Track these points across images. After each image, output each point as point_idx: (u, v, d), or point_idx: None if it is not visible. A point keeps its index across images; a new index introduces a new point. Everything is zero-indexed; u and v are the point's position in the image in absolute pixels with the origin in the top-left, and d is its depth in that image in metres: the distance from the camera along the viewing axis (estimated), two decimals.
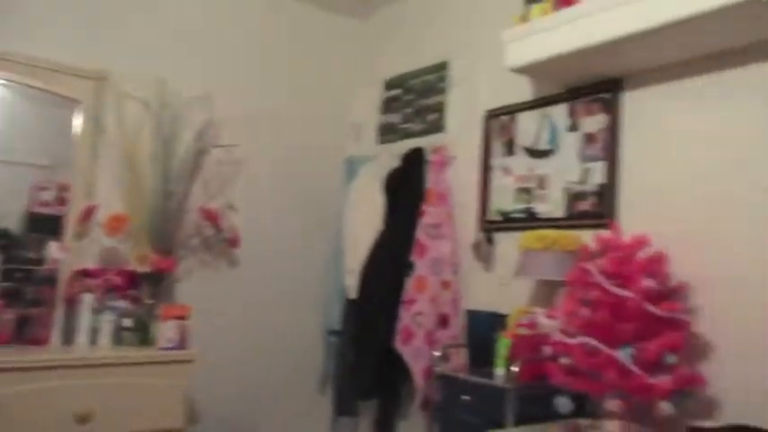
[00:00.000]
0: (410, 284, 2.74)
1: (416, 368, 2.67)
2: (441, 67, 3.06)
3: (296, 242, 3.29)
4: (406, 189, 2.97)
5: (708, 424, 1.76)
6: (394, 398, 2.92)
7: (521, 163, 2.60)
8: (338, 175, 3.41)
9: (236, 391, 3.04)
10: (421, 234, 2.78)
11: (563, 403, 1.89)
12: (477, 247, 2.71)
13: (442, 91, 3.04)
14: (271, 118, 3.23)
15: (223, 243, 3.01)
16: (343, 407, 3.12)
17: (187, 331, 2.54)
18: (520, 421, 1.96)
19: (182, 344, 2.52)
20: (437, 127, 3.03)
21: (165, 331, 2.49)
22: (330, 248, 3.31)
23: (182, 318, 2.54)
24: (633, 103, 2.24)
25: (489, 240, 2.68)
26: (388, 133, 3.34)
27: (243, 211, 3.04)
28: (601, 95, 2.32)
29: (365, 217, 3.12)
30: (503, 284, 2.58)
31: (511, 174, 2.64)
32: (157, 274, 2.69)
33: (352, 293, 3.03)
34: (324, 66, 3.46)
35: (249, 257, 3.12)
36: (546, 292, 2.41)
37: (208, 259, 3.02)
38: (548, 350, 2.10)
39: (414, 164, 2.99)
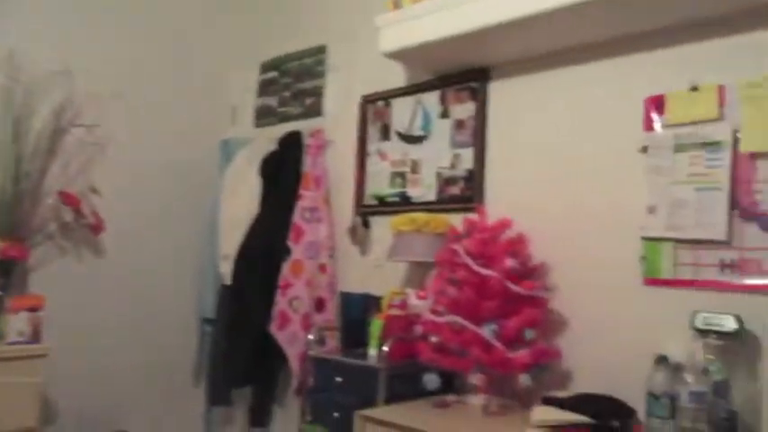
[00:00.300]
0: (286, 269, 2.71)
1: (292, 353, 2.65)
2: (319, 51, 3.04)
3: (167, 228, 3.15)
4: (283, 173, 2.92)
5: (561, 393, 1.88)
6: (269, 384, 2.88)
7: (395, 148, 2.64)
8: (213, 158, 3.30)
9: (101, 386, 2.87)
10: (297, 218, 2.75)
11: (431, 380, 1.95)
12: (353, 231, 2.73)
13: (320, 75, 3.02)
14: (140, 97, 3.04)
15: (84, 229, 2.81)
16: (217, 396, 3.04)
17: (40, 323, 2.35)
18: (391, 399, 2.00)
19: (34, 337, 2.33)
20: (315, 111, 3.01)
21: (15, 324, 2.30)
22: (204, 234, 3.20)
23: (35, 309, 2.35)
24: (498, 92, 2.34)
25: (365, 224, 2.71)
26: (265, 116, 3.27)
27: (108, 196, 2.86)
28: (469, 84, 2.40)
29: (241, 201, 3.05)
30: (377, 267, 2.62)
31: (386, 158, 2.67)
32: (7, 262, 2.47)
33: (227, 280, 2.95)
34: (198, 45, 3.31)
35: (115, 244, 2.94)
36: (418, 273, 2.47)
37: (67, 246, 2.81)
38: (418, 329, 2.16)
39: (291, 148, 2.95)
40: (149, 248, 3.08)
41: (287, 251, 2.73)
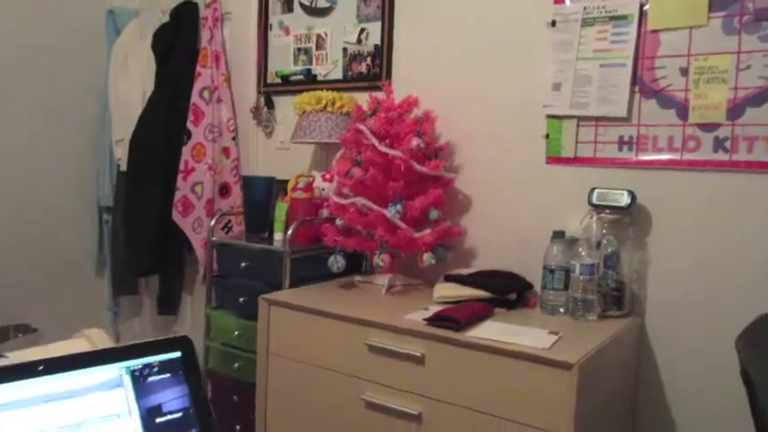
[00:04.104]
0: (187, 153, 2.57)
1: (196, 240, 2.57)
2: None
3: (52, 106, 2.87)
4: (178, 49, 2.69)
5: (464, 271, 1.92)
6: (176, 272, 2.81)
7: (299, 21, 2.46)
8: (99, 30, 2.97)
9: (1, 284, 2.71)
10: (196, 98, 2.57)
11: (336, 262, 1.94)
12: (256, 112, 2.59)
13: None
14: None
15: None
16: (122, 286, 2.95)
17: None
18: (296, 282, 1.99)
19: None
20: None
21: None
22: (96, 115, 2.96)
23: None
24: None
25: (269, 104, 2.56)
26: None
27: None
28: None
29: (133, 80, 2.81)
30: (282, 149, 2.52)
31: (289, 33, 2.49)
32: None
33: (123, 165, 2.77)
34: None
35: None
36: (324, 155, 2.40)
37: None
38: (323, 212, 2.12)
39: (185, 20, 2.69)
40: (34, 132, 2.82)
41: (186, 134, 2.57)
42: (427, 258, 1.88)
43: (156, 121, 2.66)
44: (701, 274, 1.68)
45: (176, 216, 2.57)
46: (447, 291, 1.79)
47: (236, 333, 2.11)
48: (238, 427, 2.13)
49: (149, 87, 2.73)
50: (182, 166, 2.56)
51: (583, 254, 1.64)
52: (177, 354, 0.82)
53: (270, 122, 2.58)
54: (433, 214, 1.93)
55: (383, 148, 1.90)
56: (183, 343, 0.83)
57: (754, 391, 1.12)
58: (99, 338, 0.93)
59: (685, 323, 1.70)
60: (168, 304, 2.84)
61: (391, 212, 1.87)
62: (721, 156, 1.65)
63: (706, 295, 1.67)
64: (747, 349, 1.22)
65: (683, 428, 1.71)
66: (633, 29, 1.76)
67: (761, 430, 1.13)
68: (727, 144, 1.64)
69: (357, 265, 2.18)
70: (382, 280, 1.98)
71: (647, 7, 1.74)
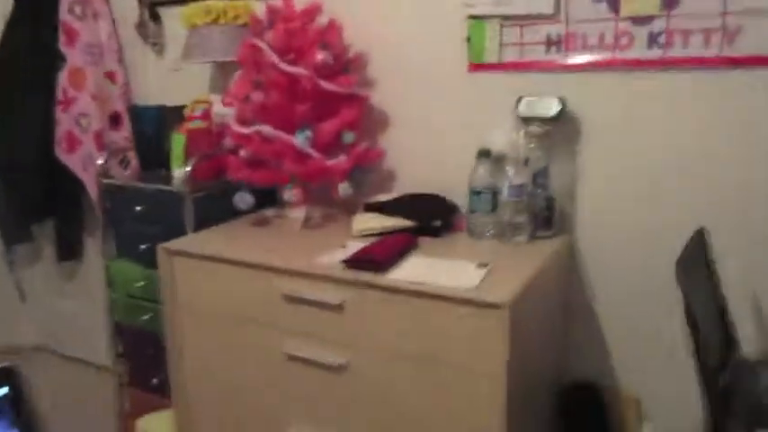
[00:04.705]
0: (64, 80, 2.23)
1: (87, 178, 2.28)
2: None
3: None
4: None
5: (384, 197, 1.75)
6: (72, 214, 2.53)
7: None
8: None
9: None
10: (65, 15, 2.20)
11: (243, 199, 1.73)
12: (141, 27, 2.25)
13: None
14: None
15: None
16: (13, 234, 2.64)
17: None
18: (202, 225, 1.78)
19: None
20: None
21: None
22: None
23: None
24: None
25: (154, 17, 2.22)
26: None
27: None
28: None
29: None
30: (174, 70, 2.22)
31: None
32: None
33: None
34: None
35: None
36: (223, 76, 2.12)
37: None
38: (227, 143, 1.88)
39: None
40: None
41: (60, 58, 2.22)
42: (343, 189, 1.69)
43: (20, 43, 2.27)
44: (633, 185, 1.56)
45: (61, 153, 2.27)
46: (367, 222, 1.63)
47: (141, 283, 1.90)
48: (155, 381, 1.97)
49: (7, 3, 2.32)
50: (60, 96, 2.23)
51: (511, 173, 1.49)
52: (4, 390, 0.63)
53: (159, 40, 2.25)
54: (348, 137, 1.73)
55: (284, 66, 1.65)
56: (10, 376, 0.64)
57: (697, 325, 1.03)
58: None
59: (617, 239, 1.60)
60: (68, 250, 2.58)
61: (300, 140, 1.66)
62: (656, 52, 1.49)
63: (638, 206, 1.56)
64: (685, 274, 1.12)
65: (615, 349, 1.66)
66: None
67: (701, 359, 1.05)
68: (662, 39, 1.48)
69: (271, 197, 1.98)
70: (297, 213, 1.80)
71: None
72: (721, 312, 1.17)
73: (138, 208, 1.86)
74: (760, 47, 1.37)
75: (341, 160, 1.68)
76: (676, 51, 1.47)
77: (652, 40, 1.49)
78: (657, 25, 1.48)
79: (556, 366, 1.66)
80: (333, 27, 1.74)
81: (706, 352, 1.02)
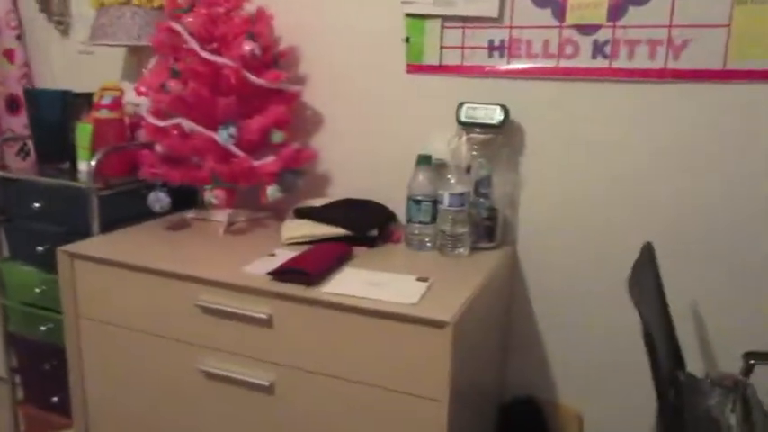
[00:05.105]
0: None
1: None
2: None
3: None
4: None
5: (317, 202, 1.63)
6: None
7: None
8: None
9: None
10: None
11: (158, 199, 1.56)
12: (44, 3, 2.02)
13: None
14: None
15: None
16: None
17: None
18: (111, 225, 1.59)
19: None
20: None
21: None
22: None
23: None
24: None
25: None
26: None
27: None
28: None
29: None
30: (85, 53, 2.01)
31: None
32: None
33: None
34: None
35: None
36: (138, 63, 1.93)
37: None
38: (140, 136, 1.71)
39: None
40: None
41: None
42: (272, 192, 1.56)
43: None
44: (576, 196, 1.52)
45: None
46: (297, 230, 1.50)
47: (38, 290, 1.70)
48: (55, 399, 1.77)
49: None
50: None
51: (452, 181, 1.41)
52: None
53: (64, 18, 2.03)
54: (277, 137, 1.60)
55: (207, 55, 1.50)
56: None
57: (654, 344, 0.98)
58: None
59: (560, 251, 1.56)
60: None
61: (223, 137, 1.51)
62: (601, 62, 1.45)
63: (582, 218, 1.52)
64: (639, 291, 1.08)
65: (556, 363, 1.62)
66: None
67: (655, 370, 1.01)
68: (607, 49, 1.44)
69: (190, 198, 1.81)
70: (221, 216, 1.65)
71: None
72: (670, 330, 1.14)
73: (37, 204, 1.65)
74: (706, 61, 1.36)
75: (269, 161, 1.55)
76: (621, 63, 1.43)
77: (597, 49, 1.45)
78: (603, 35, 1.44)
79: (497, 382, 1.60)
80: (262, 16, 1.61)
81: (660, 370, 0.98)
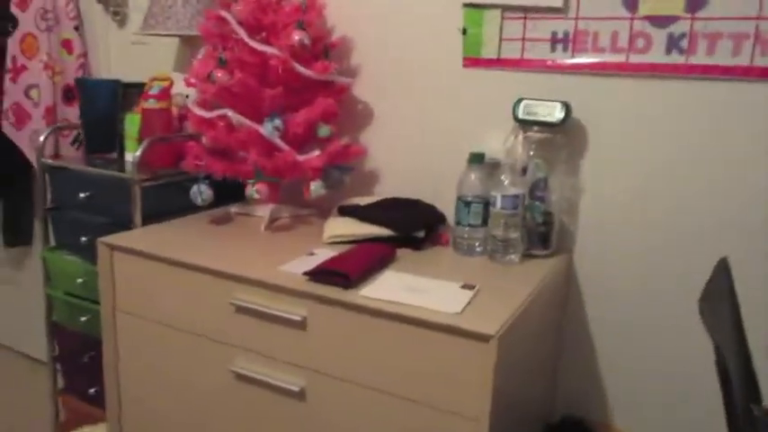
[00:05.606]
0: (14, 47, 2.01)
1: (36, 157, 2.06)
2: None
3: None
4: None
5: (362, 201, 1.56)
6: (21, 195, 2.30)
7: None
8: None
9: None
10: None
11: (201, 192, 1.52)
12: None
13: None
14: None
15: None
16: None
17: None
18: (154, 218, 1.57)
19: None
20: None
21: None
22: None
23: None
24: None
25: None
26: None
27: None
28: None
29: None
30: (139, 43, 2.00)
31: None
32: None
33: None
34: None
35: None
36: (190, 53, 1.91)
37: None
38: (187, 127, 1.68)
39: None
40: None
41: (11, 21, 1.99)
42: (315, 188, 1.50)
43: None
44: (642, 205, 1.39)
45: (8, 128, 2.05)
46: (339, 229, 1.43)
47: (81, 280, 1.69)
48: (92, 391, 1.76)
49: None
50: (8, 64, 2.01)
51: (506, 182, 1.31)
52: None
53: (121, 9, 2.03)
54: (323, 131, 1.53)
55: (255, 44, 1.45)
56: None
57: (728, 376, 0.86)
58: None
59: (621, 262, 1.43)
60: (14, 234, 2.35)
61: (268, 129, 1.46)
62: (676, 58, 1.32)
63: (646, 228, 1.39)
64: (712, 314, 0.95)
65: (610, 383, 1.49)
66: None
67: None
68: (684, 43, 1.31)
69: (238, 192, 1.77)
70: (263, 211, 1.60)
71: None
72: (747, 358, 1.00)
73: (83, 194, 1.64)
74: None
75: (314, 156, 1.49)
76: (699, 58, 1.30)
77: (672, 43, 1.32)
78: (679, 28, 1.31)
79: (544, 401, 1.49)
80: (313, 5, 1.55)
81: (733, 404, 0.85)
